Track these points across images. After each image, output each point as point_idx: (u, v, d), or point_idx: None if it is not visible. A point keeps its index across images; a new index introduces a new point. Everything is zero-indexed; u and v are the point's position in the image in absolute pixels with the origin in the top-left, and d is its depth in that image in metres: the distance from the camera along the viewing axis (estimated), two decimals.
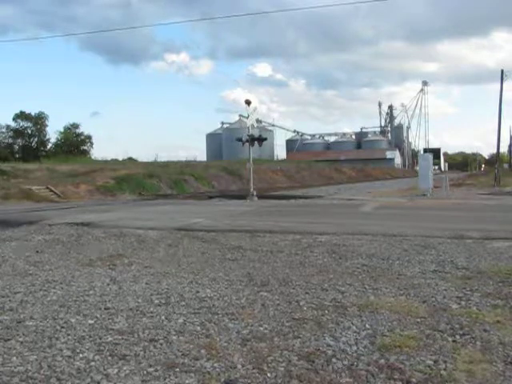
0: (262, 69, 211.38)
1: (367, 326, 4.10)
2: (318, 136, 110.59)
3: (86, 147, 66.01)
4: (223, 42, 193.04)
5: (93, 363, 3.41)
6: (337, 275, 6.03)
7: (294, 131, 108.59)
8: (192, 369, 3.28)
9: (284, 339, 3.81)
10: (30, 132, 64.31)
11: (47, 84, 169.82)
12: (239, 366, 3.31)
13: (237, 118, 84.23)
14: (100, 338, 3.90)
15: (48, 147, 65.49)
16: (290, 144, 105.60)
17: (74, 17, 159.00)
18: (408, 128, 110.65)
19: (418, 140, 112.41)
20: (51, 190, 24.49)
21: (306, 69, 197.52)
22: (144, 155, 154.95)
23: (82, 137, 65.91)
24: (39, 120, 63.83)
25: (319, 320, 4.28)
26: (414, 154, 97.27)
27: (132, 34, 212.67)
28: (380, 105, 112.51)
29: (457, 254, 7.21)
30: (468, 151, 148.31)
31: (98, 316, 4.50)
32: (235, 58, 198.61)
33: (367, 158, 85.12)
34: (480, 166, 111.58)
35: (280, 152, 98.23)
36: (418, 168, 32.63)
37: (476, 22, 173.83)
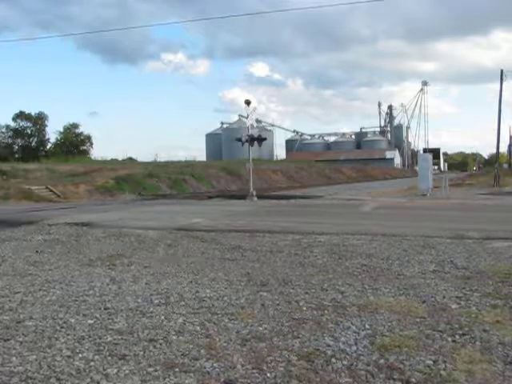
0: (260, 68, 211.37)
1: (367, 326, 4.11)
2: (317, 136, 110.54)
3: (85, 147, 65.94)
4: (220, 41, 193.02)
5: (92, 363, 3.41)
6: (336, 275, 6.03)
7: (294, 131, 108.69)
8: (192, 369, 3.28)
9: (283, 339, 3.81)
10: (29, 132, 64.24)
11: (45, 84, 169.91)
12: (239, 366, 3.31)
13: (235, 117, 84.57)
14: (99, 338, 3.90)
15: (48, 147, 65.47)
16: (289, 144, 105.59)
17: (69, 16, 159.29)
18: (407, 128, 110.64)
19: (417, 140, 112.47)
20: (51, 190, 24.48)
21: (303, 68, 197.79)
22: (143, 155, 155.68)
23: (82, 137, 65.84)
24: (39, 120, 63.76)
25: (319, 320, 4.28)
26: (414, 154, 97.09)
27: (128, 34, 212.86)
28: (379, 105, 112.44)
29: (456, 254, 7.22)
30: (468, 151, 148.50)
31: (98, 316, 4.51)
32: (232, 57, 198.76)
33: (367, 158, 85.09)
34: (474, 167, 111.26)
35: (280, 152, 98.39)
36: (417, 168, 32.64)
37: (475, 21, 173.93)
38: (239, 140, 24.27)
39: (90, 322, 4.34)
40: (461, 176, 53.86)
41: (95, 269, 6.71)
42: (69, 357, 3.53)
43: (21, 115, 63.27)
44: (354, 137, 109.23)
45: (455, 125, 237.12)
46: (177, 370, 3.27)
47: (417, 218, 12.89)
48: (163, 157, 72.79)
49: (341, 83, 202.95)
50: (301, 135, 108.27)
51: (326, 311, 4.54)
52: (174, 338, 3.89)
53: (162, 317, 4.46)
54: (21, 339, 3.91)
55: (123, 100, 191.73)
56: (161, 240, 9.19)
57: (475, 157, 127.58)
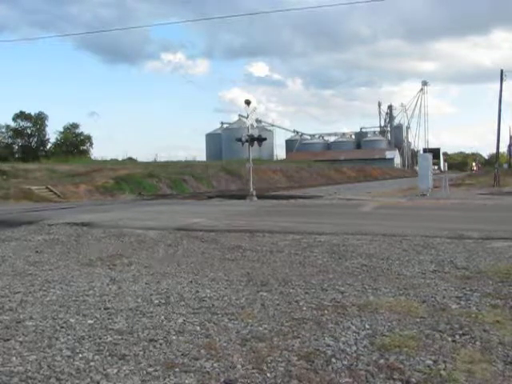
0: (259, 68, 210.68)
1: (367, 326, 4.11)
2: (317, 136, 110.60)
3: (85, 147, 65.98)
4: (220, 41, 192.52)
5: (92, 363, 3.41)
6: (336, 275, 6.03)
7: (294, 131, 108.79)
8: (192, 369, 3.28)
9: (283, 339, 3.81)
10: (29, 132, 64.28)
11: (45, 84, 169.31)
12: (239, 366, 3.31)
13: (235, 117, 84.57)
14: (99, 338, 3.90)
15: (48, 147, 65.51)
16: (289, 144, 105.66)
17: (68, 16, 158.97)
18: (407, 128, 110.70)
19: (417, 140, 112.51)
20: (51, 190, 24.48)
21: (303, 68, 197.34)
22: (144, 155, 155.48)
23: (82, 137, 65.89)
24: (39, 120, 63.80)
25: (319, 320, 4.28)
26: (414, 154, 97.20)
27: (128, 34, 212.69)
28: (379, 105, 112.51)
29: (456, 254, 7.22)
30: (468, 151, 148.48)
31: (98, 316, 4.51)
32: (232, 57, 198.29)
33: (367, 158, 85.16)
34: (472, 167, 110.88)
35: (279, 152, 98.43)
36: (417, 168, 32.63)
37: (475, 21, 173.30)
38: (239, 140, 24.29)
39: (89, 321, 4.34)
40: (461, 176, 53.86)
41: (95, 269, 6.71)
42: (69, 357, 3.53)
43: (21, 115, 63.29)
44: (353, 137, 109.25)
45: (455, 125, 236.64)
46: (177, 369, 3.27)
47: (417, 218, 12.89)
48: (163, 157, 72.69)
49: (341, 83, 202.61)
50: (301, 135, 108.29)
51: (326, 311, 4.54)
52: (174, 338, 3.90)
53: (162, 317, 4.46)
54: (21, 339, 3.90)
55: (123, 100, 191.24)
56: (161, 240, 9.18)
57: (475, 157, 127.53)
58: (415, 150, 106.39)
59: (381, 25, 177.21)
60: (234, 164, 42.38)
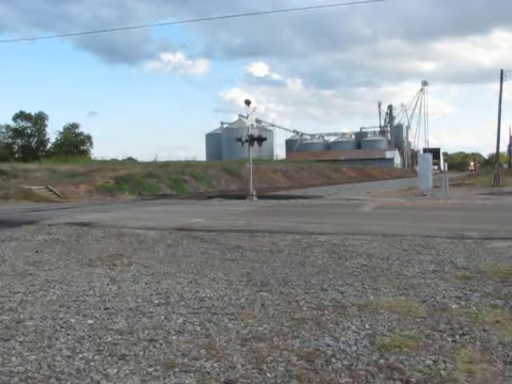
0: (259, 68, 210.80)
1: (367, 325, 4.11)
2: (317, 136, 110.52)
3: (85, 147, 66.04)
4: (219, 41, 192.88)
5: (92, 363, 3.41)
6: (336, 275, 6.03)
7: (294, 131, 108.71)
8: (192, 369, 3.28)
9: (283, 339, 3.81)
10: (29, 132, 64.34)
11: (45, 84, 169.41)
12: (239, 366, 3.31)
13: (235, 117, 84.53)
14: (99, 338, 3.90)
15: (48, 147, 65.55)
16: (289, 144, 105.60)
17: (68, 16, 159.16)
18: (407, 128, 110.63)
19: (417, 140, 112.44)
20: (51, 190, 24.48)
21: (303, 68, 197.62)
22: (143, 155, 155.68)
23: (82, 137, 65.93)
24: (39, 120, 63.85)
25: (319, 320, 4.28)
26: (414, 154, 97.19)
27: (128, 34, 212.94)
28: (379, 105, 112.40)
29: (456, 254, 7.22)
30: (468, 151, 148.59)
31: (98, 316, 4.51)
32: (232, 57, 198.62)
33: (367, 158, 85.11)
34: (471, 167, 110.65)
35: (279, 152, 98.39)
36: (417, 168, 32.59)
37: (475, 21, 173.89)
38: (239, 140, 24.29)
39: (89, 321, 4.34)
40: (461, 176, 53.86)
41: (95, 269, 6.71)
42: (69, 357, 3.53)
43: (21, 115, 63.33)
44: (353, 137, 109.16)
45: (455, 125, 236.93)
46: (177, 369, 3.27)
47: (417, 218, 12.89)
48: (163, 157, 72.87)
49: (341, 83, 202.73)
50: (301, 135, 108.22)
51: (326, 311, 4.54)
52: (174, 337, 3.89)
53: (162, 317, 4.46)
54: (21, 339, 3.91)
55: (123, 100, 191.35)
56: (161, 240, 9.18)
57: (474, 157, 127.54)
58: (415, 149, 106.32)
59: (381, 25, 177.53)
60: (234, 164, 42.37)
